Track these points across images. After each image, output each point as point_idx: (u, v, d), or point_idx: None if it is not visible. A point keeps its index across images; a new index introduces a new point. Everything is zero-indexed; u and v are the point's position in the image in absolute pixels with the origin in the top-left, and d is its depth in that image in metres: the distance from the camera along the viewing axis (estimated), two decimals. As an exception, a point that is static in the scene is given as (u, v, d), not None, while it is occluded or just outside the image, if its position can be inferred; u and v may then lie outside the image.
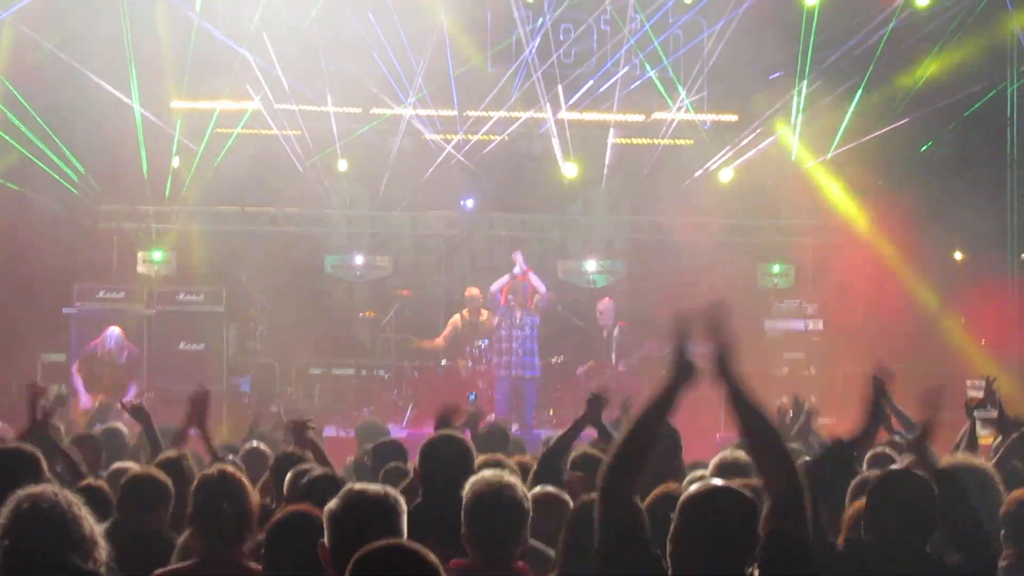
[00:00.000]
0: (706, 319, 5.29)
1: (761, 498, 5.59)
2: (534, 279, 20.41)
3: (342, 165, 22.89)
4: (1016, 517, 6.52)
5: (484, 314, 20.49)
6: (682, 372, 5.30)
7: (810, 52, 21.76)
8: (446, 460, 7.62)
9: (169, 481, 7.38)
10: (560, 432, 9.87)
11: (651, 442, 5.41)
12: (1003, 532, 6.52)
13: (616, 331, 20.86)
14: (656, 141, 23.44)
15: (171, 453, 8.56)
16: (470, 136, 23.02)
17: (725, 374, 5.27)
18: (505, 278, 20.33)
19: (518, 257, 20.43)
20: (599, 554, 5.31)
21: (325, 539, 5.59)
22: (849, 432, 7.55)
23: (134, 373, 19.33)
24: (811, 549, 5.37)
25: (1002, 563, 6.43)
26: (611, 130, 23.01)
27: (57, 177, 21.75)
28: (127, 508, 7.43)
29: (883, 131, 21.26)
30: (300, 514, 6.08)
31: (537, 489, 7.02)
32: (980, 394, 11.41)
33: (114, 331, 19.38)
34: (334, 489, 6.62)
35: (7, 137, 20.88)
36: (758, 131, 22.72)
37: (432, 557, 4.47)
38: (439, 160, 23.09)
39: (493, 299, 20.37)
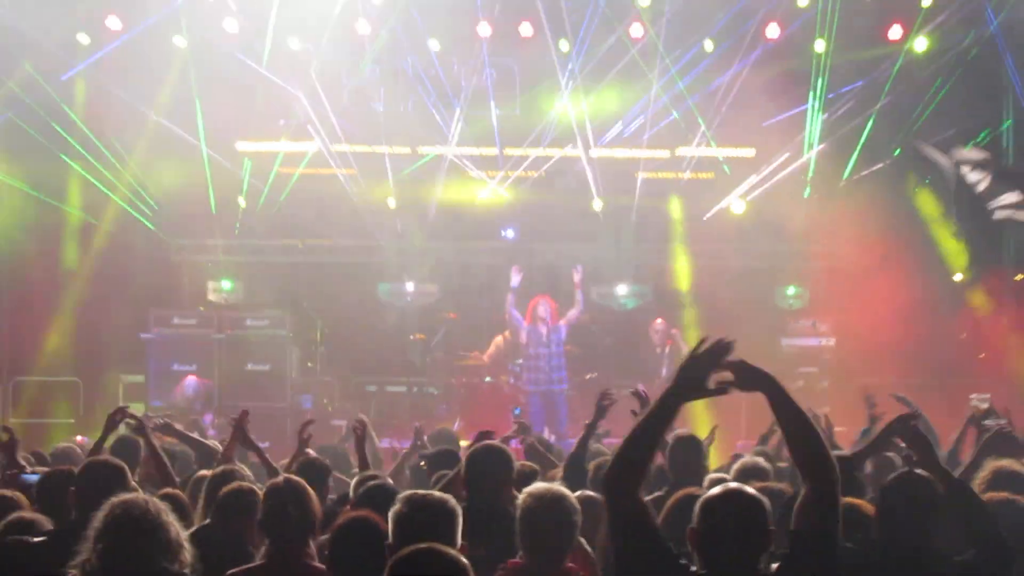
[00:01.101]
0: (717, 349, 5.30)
1: (777, 500, 5.69)
2: (579, 295, 20.41)
3: (391, 203, 22.93)
4: None
5: (523, 335, 20.45)
6: (686, 385, 5.31)
7: (821, 92, 21.78)
8: (488, 468, 7.66)
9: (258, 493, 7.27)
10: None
11: (654, 445, 5.42)
12: None
13: (668, 349, 20.90)
14: (679, 175, 23.46)
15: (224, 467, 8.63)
16: (510, 172, 23.05)
17: (764, 382, 5.32)
18: (510, 296, 20.27)
19: (515, 272, 20.41)
20: (614, 550, 5.37)
21: (390, 538, 5.74)
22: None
23: (208, 406, 19.47)
24: (836, 549, 5.39)
25: None
26: (640, 165, 22.99)
27: (134, 213, 21.90)
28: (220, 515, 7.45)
29: (887, 163, 21.21)
30: (361, 518, 6.14)
31: (578, 493, 6.95)
32: (985, 406, 11.40)
33: (191, 381, 19.59)
34: (389, 496, 6.75)
35: (89, 176, 21.06)
36: (774, 165, 22.70)
37: (463, 560, 4.58)
38: (482, 194, 23.22)
39: (514, 321, 20.33)
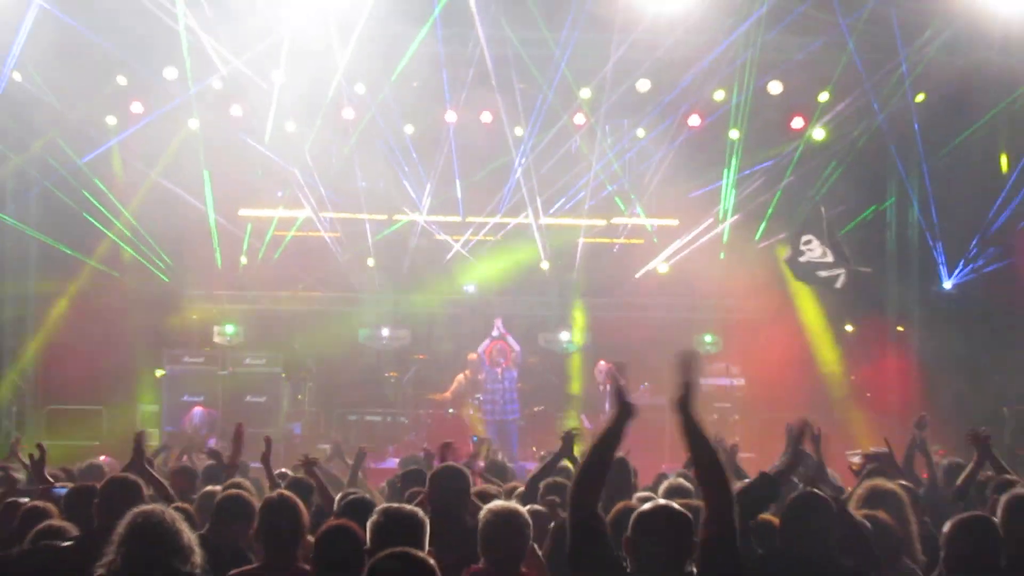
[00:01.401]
0: (680, 362, 5.38)
1: (698, 515, 5.74)
2: (511, 340, 20.67)
3: (371, 261, 23.02)
4: (954, 540, 6.34)
5: (482, 374, 20.53)
6: (624, 411, 5.38)
7: (735, 171, 21.88)
8: (448, 484, 7.71)
9: (253, 501, 7.37)
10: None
11: (605, 466, 5.47)
12: (943, 552, 6.34)
13: (608, 387, 20.87)
14: (614, 240, 23.59)
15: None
16: (472, 237, 23.14)
17: (684, 408, 5.31)
18: (487, 341, 20.66)
19: (498, 322, 20.73)
20: (571, 552, 5.42)
21: (368, 544, 5.79)
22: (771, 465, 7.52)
23: (213, 431, 19.41)
24: (738, 552, 5.41)
25: None
26: (581, 232, 23.08)
27: (150, 267, 21.87)
28: (219, 522, 7.44)
29: (789, 233, 21.31)
30: (343, 526, 6.14)
31: (528, 507, 7.02)
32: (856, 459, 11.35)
33: (198, 410, 19.55)
34: (367, 508, 6.76)
35: (111, 235, 21.02)
36: (694, 232, 22.79)
37: (431, 562, 4.63)
38: (448, 255, 23.27)
39: (479, 362, 20.60)
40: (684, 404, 5.32)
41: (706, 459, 5.41)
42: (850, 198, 21.24)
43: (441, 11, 17.71)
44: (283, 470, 10.91)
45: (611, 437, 5.44)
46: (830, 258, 19.01)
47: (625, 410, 5.41)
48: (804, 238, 19.13)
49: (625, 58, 18.96)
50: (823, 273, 19.17)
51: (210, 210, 21.66)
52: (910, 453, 11.20)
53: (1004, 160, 20.14)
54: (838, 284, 19.16)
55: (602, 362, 21.10)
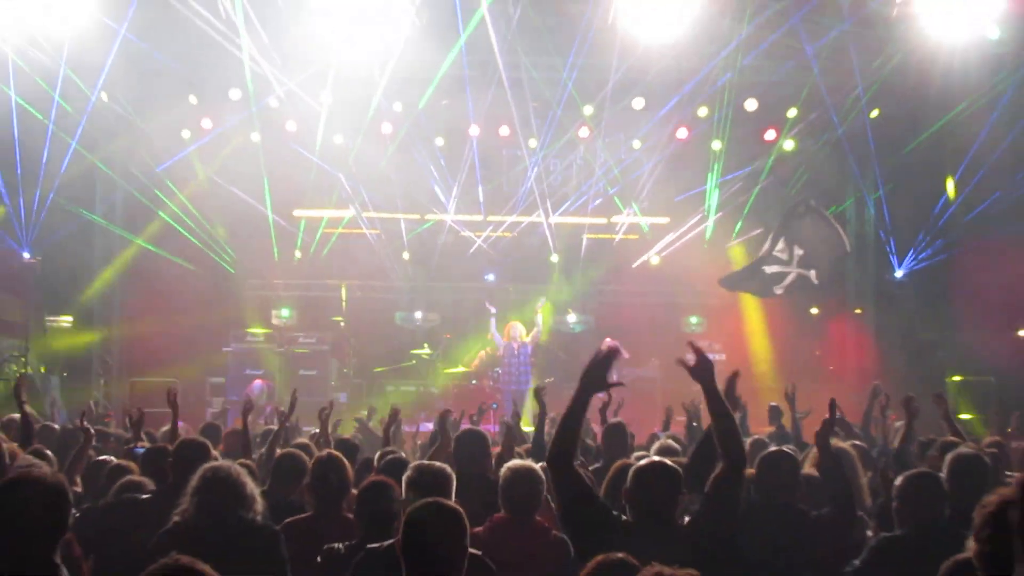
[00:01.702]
0: (697, 353, 5.48)
1: (685, 471, 5.76)
2: (538, 328, 20.68)
3: (405, 255, 23.11)
4: (904, 494, 6.29)
5: (500, 350, 20.58)
6: (590, 385, 5.32)
7: (717, 176, 21.89)
8: (469, 445, 7.82)
9: (306, 460, 7.35)
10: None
11: (577, 430, 5.46)
12: (895, 504, 6.27)
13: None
14: (613, 236, 23.57)
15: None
16: (492, 234, 23.18)
17: (706, 380, 5.39)
18: (492, 321, 20.71)
19: (489, 305, 20.82)
20: (559, 509, 5.42)
21: (403, 495, 5.81)
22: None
23: (271, 401, 19.45)
24: (739, 501, 5.48)
25: (898, 532, 6.21)
26: (585, 229, 23.10)
27: (219, 260, 21.95)
28: (277, 478, 7.49)
29: (763, 229, 21.26)
30: (380, 481, 6.15)
31: (541, 464, 6.98)
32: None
33: (258, 382, 19.59)
34: (403, 465, 6.76)
35: (186, 234, 21.06)
36: (682, 229, 22.80)
37: (460, 510, 4.62)
38: (471, 249, 23.28)
39: (496, 340, 20.70)
40: (707, 376, 5.40)
41: (726, 426, 5.48)
42: (814, 200, 21.20)
43: (466, 41, 17.66)
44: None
45: (579, 405, 5.40)
46: (789, 263, 18.93)
47: (591, 385, 5.38)
48: (776, 244, 19.05)
49: (623, 80, 18.93)
50: (771, 269, 19.06)
51: (268, 211, 21.72)
52: (867, 418, 11.16)
53: (951, 184, 20.04)
54: (783, 284, 18.96)
55: (608, 339, 21.07)
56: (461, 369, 21.80)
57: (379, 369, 22.35)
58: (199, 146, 20.80)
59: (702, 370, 5.42)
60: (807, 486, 6.76)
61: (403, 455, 8.35)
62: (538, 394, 10.28)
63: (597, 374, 5.32)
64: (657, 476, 5.46)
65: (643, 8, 16.48)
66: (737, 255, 22.63)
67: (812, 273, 18.16)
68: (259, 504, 5.96)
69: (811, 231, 18.29)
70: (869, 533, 7.00)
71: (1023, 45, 17.30)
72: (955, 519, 5.74)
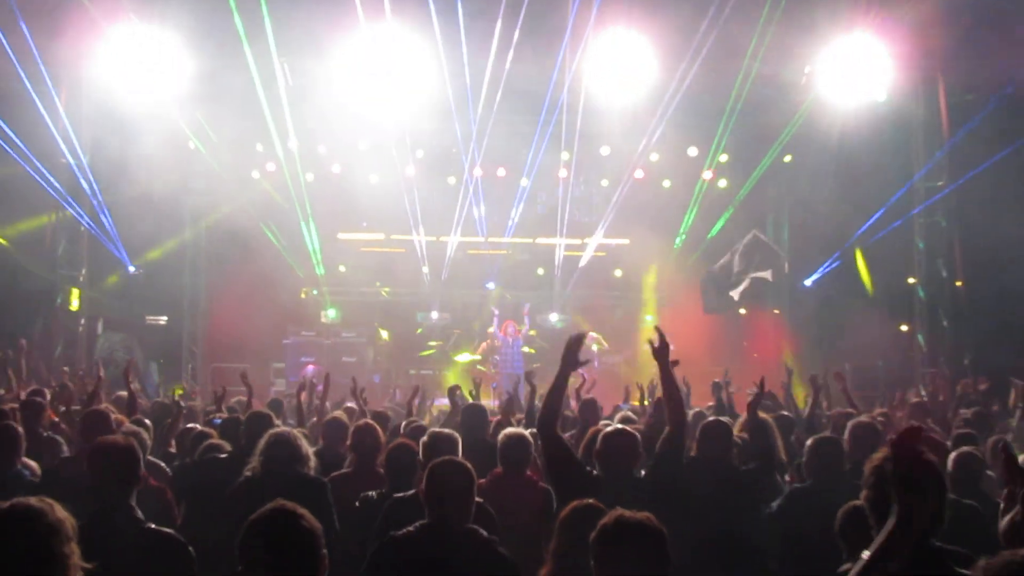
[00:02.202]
0: (657, 335, 5.59)
1: (642, 436, 5.78)
2: (526, 320, 20.95)
3: (425, 269, 22.96)
4: (812, 453, 6.32)
5: (499, 342, 20.63)
6: (568, 365, 5.44)
7: (664, 207, 21.94)
8: (473, 417, 7.81)
9: (349, 425, 7.37)
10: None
11: (560, 402, 5.58)
12: (804, 460, 6.34)
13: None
14: (586, 253, 23.52)
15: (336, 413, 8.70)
16: (491, 252, 23.16)
17: (663, 359, 5.49)
18: (495, 320, 21.01)
19: (494, 308, 21.23)
20: (545, 466, 5.44)
21: (421, 456, 5.82)
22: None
23: (321, 380, 19.39)
24: (682, 457, 5.61)
25: (807, 482, 6.28)
26: (563, 248, 23.09)
27: (288, 267, 21.92)
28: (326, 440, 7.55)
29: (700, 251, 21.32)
30: (404, 443, 6.16)
31: (531, 430, 6.97)
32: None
33: (311, 367, 19.58)
34: (422, 431, 6.80)
35: (252, 250, 21.05)
36: (638, 248, 22.85)
37: (468, 465, 4.61)
38: (474, 262, 23.30)
39: (495, 334, 20.85)
40: (663, 356, 5.52)
41: (676, 398, 5.58)
42: (741, 226, 21.23)
43: (473, 103, 17.72)
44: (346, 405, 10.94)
45: (561, 381, 5.51)
46: (744, 274, 19.03)
47: (570, 364, 5.49)
48: (734, 265, 19.17)
49: (593, 133, 18.93)
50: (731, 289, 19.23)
51: (315, 234, 21.67)
52: (787, 393, 11.16)
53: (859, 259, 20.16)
54: (738, 290, 19.11)
55: (591, 334, 21.18)
56: (468, 356, 21.71)
57: (426, 353, 22.36)
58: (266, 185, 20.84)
59: (662, 351, 5.51)
60: (738, 447, 6.75)
61: (424, 424, 8.35)
62: (528, 376, 10.28)
63: (572, 357, 5.44)
64: (619, 439, 5.55)
65: (608, 80, 16.59)
66: (679, 266, 22.71)
67: (769, 272, 18.35)
68: (312, 461, 6.00)
69: (760, 253, 18.53)
70: (787, 479, 7.05)
71: (906, 105, 17.42)
72: (852, 472, 5.76)
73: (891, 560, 2.53)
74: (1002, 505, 4.38)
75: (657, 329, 5.63)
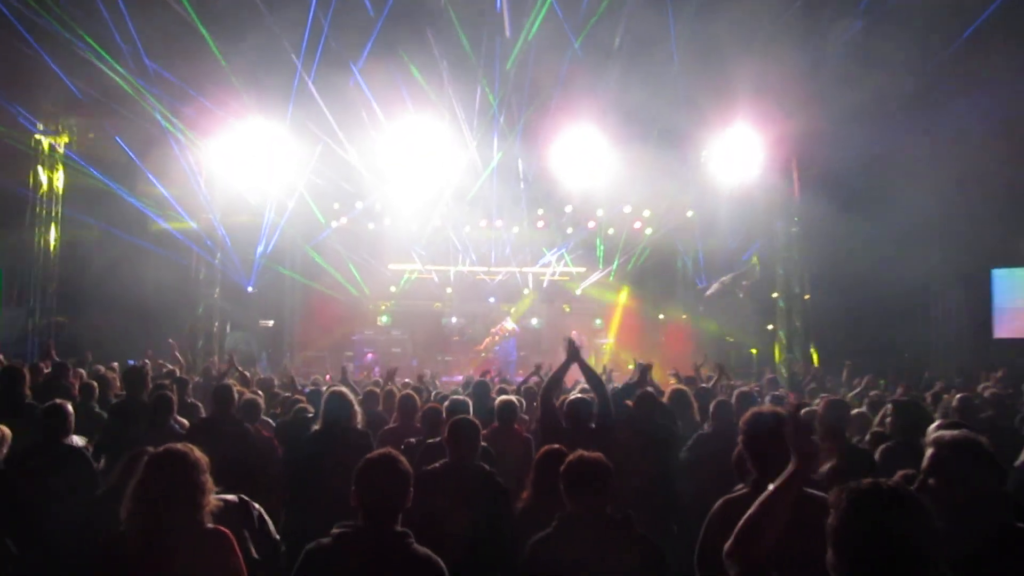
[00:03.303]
0: (569, 344, 5.60)
1: (591, 404, 5.73)
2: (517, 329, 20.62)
3: (448, 290, 22.77)
4: (713, 410, 6.32)
5: (497, 338, 20.51)
6: (571, 355, 5.51)
7: (601, 253, 21.89)
8: (480, 388, 7.74)
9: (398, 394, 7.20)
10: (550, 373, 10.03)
11: (561, 380, 5.79)
12: (710, 418, 6.35)
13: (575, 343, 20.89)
14: (556, 278, 23.39)
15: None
16: (492, 277, 22.92)
17: (575, 357, 5.54)
18: (498, 327, 20.89)
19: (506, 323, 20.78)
20: (540, 420, 5.41)
21: (444, 415, 5.75)
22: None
23: (378, 364, 19.34)
24: (612, 417, 5.46)
25: (708, 431, 6.23)
26: (537, 275, 22.98)
27: (351, 289, 21.71)
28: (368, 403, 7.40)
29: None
30: (432, 406, 6.14)
31: (514, 397, 6.91)
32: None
33: (370, 356, 19.42)
34: (447, 399, 6.75)
35: (342, 280, 20.91)
36: (592, 274, 22.71)
37: (476, 421, 4.57)
38: (481, 284, 23.06)
39: (494, 333, 20.78)
40: (579, 356, 5.61)
41: (595, 380, 5.57)
42: (661, 261, 21.34)
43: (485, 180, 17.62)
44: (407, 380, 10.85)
45: (564, 367, 5.62)
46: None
47: (572, 355, 5.56)
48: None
49: (559, 197, 18.90)
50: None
51: (374, 264, 21.55)
52: (697, 374, 11.06)
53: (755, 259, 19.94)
54: (710, 291, 19.20)
55: (574, 332, 21.05)
56: (476, 349, 21.56)
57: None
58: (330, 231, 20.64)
59: (573, 353, 5.65)
60: (662, 409, 6.72)
61: (445, 393, 8.29)
62: (538, 369, 10.09)
63: (574, 352, 5.60)
64: (579, 403, 5.48)
65: (572, 162, 16.58)
66: (622, 291, 22.52)
67: (744, 284, 18.40)
68: (359, 417, 5.82)
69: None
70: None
71: (770, 177, 17.49)
72: (736, 424, 5.73)
73: (790, 491, 2.40)
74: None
75: (568, 339, 5.68)
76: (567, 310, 21.29)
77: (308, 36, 13.35)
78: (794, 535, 2.39)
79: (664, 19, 13.11)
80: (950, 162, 14.54)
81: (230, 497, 3.44)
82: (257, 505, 3.68)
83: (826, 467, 4.56)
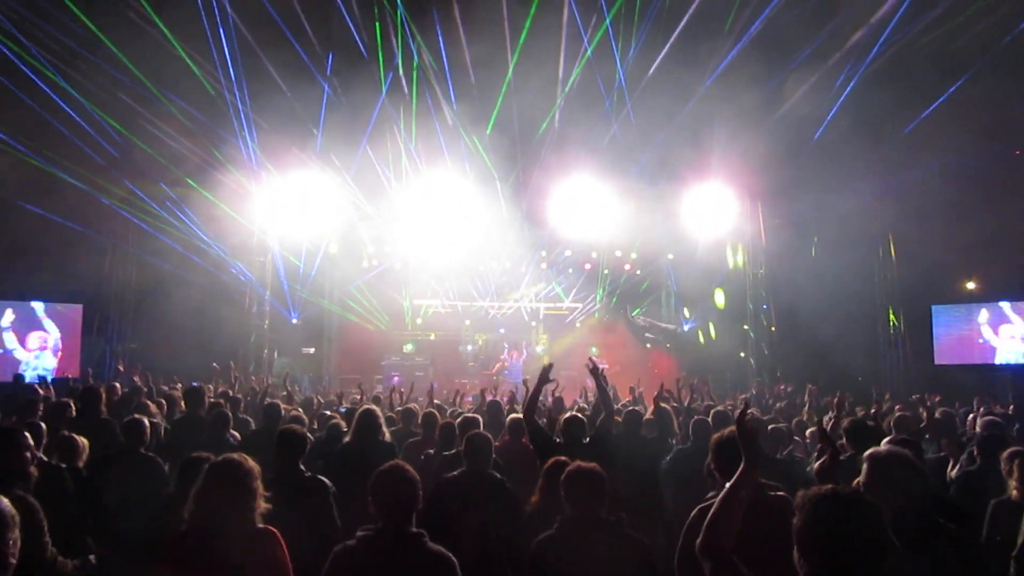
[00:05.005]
0: (591, 362, 5.59)
1: (588, 418, 5.66)
2: (525, 352, 20.45)
3: (467, 322, 22.55)
4: (691, 428, 6.28)
5: (507, 363, 20.33)
6: (541, 381, 5.38)
7: (603, 284, 21.82)
8: (493, 408, 7.56)
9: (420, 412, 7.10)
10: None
11: (535, 403, 5.43)
12: (690, 434, 6.24)
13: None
14: (551, 311, 23.32)
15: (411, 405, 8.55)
16: (503, 310, 22.72)
17: (597, 376, 5.47)
18: (506, 349, 20.62)
19: (505, 346, 20.71)
20: (530, 438, 5.35)
21: (458, 431, 5.66)
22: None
23: (403, 385, 19.18)
24: (612, 433, 5.44)
25: (688, 446, 6.13)
26: (543, 308, 22.90)
27: (379, 321, 21.65)
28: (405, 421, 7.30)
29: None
30: (449, 422, 6.06)
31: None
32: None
33: (396, 378, 19.28)
34: (460, 416, 6.67)
35: (373, 312, 20.87)
36: (589, 309, 22.61)
37: (489, 436, 4.59)
38: (490, 315, 22.95)
39: (505, 359, 20.49)
40: (599, 376, 5.55)
41: (606, 399, 5.57)
42: (647, 292, 21.29)
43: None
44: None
45: (539, 388, 5.43)
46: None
47: (542, 379, 5.39)
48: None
49: (559, 241, 18.98)
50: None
51: (399, 299, 21.48)
52: (678, 394, 10.93)
53: (732, 253, 19.68)
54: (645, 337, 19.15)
55: (592, 358, 20.77)
56: (487, 373, 21.29)
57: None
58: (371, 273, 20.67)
59: (595, 371, 5.55)
60: (647, 424, 6.67)
61: (460, 411, 8.22)
62: (527, 384, 10.06)
63: (544, 377, 5.43)
64: (575, 421, 5.39)
65: (567, 212, 16.65)
66: (611, 320, 22.42)
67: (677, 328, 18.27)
68: (386, 432, 5.71)
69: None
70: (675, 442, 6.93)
71: (742, 223, 17.50)
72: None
73: (742, 488, 2.44)
74: (815, 455, 4.32)
75: (592, 359, 5.64)
76: (594, 351, 21.11)
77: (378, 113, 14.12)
78: (761, 534, 2.42)
79: (655, 112, 13.37)
80: (892, 217, 14.73)
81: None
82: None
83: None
